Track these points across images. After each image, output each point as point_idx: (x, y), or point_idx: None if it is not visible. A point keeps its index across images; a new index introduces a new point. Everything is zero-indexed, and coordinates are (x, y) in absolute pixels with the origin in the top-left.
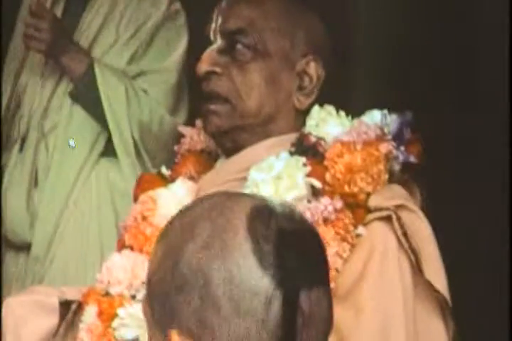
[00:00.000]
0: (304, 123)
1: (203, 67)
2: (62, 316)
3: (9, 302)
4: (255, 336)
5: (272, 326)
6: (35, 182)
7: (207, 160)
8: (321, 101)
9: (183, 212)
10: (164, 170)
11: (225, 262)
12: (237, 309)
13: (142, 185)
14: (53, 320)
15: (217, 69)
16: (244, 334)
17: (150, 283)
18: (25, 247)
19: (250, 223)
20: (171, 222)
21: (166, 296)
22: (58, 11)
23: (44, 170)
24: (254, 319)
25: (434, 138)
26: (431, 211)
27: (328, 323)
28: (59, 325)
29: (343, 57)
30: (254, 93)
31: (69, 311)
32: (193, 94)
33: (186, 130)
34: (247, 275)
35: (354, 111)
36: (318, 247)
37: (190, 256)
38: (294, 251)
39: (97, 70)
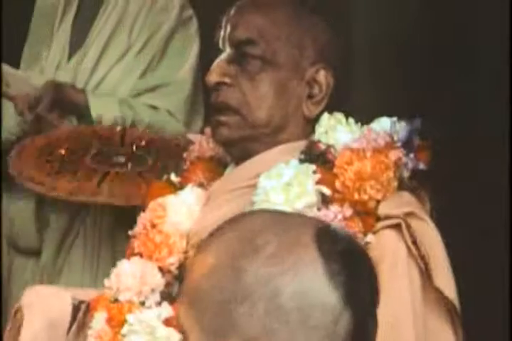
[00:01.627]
0: (313, 131)
1: (213, 77)
2: (74, 316)
3: (29, 292)
4: None
5: None
6: None
7: (216, 167)
8: (330, 108)
9: (232, 224)
10: (173, 178)
11: (296, 276)
12: (305, 322)
13: (152, 193)
14: (66, 309)
15: (227, 80)
16: None
17: (196, 291)
18: (35, 253)
19: (319, 241)
20: (218, 234)
21: (222, 306)
22: (69, 18)
23: None
24: (322, 334)
25: (443, 144)
26: (440, 218)
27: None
28: (71, 324)
29: (351, 64)
30: (265, 103)
31: (79, 311)
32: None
33: (195, 137)
34: (318, 290)
35: (363, 118)
36: (374, 273)
37: (257, 267)
38: (359, 274)
39: (90, 102)
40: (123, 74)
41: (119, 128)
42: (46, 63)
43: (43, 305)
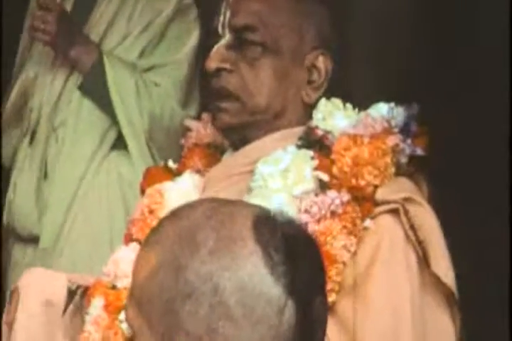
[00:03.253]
0: (311, 117)
1: (212, 63)
2: (70, 299)
3: (26, 274)
4: None
5: (285, 333)
6: (44, 174)
7: (214, 153)
8: (328, 94)
9: (172, 219)
10: (171, 164)
11: (236, 272)
12: (250, 317)
13: (149, 179)
14: (61, 290)
15: (227, 66)
16: None
17: (143, 290)
18: (34, 239)
19: (257, 233)
20: (160, 228)
21: (168, 305)
22: (69, 4)
23: (53, 163)
24: (267, 326)
25: (441, 130)
26: (437, 203)
27: (326, 323)
28: (66, 305)
29: (350, 48)
30: (264, 89)
31: (75, 295)
32: (204, 88)
33: (193, 123)
34: (259, 283)
35: (361, 103)
36: (318, 252)
37: (197, 265)
38: (303, 259)
39: (106, 63)
40: (120, 55)
41: None
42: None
43: (38, 285)
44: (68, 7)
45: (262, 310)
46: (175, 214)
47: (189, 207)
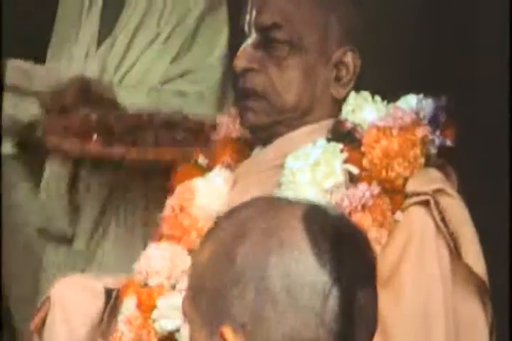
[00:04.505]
0: (340, 111)
1: (240, 63)
2: (106, 304)
3: (59, 283)
4: (312, 330)
5: (329, 320)
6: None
7: (243, 148)
8: (357, 87)
9: (228, 214)
10: (201, 160)
11: (283, 257)
12: (294, 303)
13: (179, 175)
14: (100, 303)
15: (255, 66)
16: (301, 328)
17: (198, 280)
18: (66, 240)
19: (306, 222)
20: (216, 224)
21: (218, 291)
22: (98, 5)
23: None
24: (312, 313)
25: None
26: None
27: (375, 324)
28: (103, 312)
29: (377, 43)
30: (292, 88)
31: (110, 298)
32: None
33: (221, 119)
34: (305, 270)
35: (390, 96)
36: (368, 249)
37: (246, 251)
38: (349, 250)
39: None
40: (152, 61)
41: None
42: (75, 51)
43: (74, 294)
44: (96, 10)
45: (306, 297)
46: (230, 211)
47: (244, 204)
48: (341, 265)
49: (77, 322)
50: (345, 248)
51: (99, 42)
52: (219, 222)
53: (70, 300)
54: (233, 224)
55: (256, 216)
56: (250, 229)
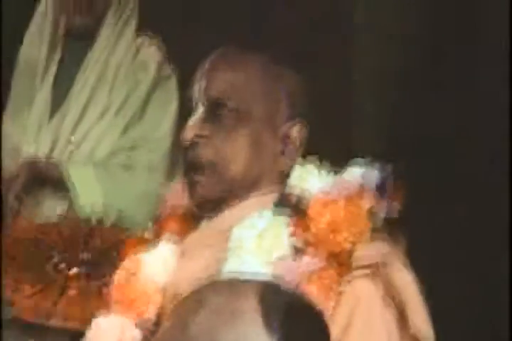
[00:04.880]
0: (286, 182)
1: (187, 135)
2: None
3: None
4: None
5: None
6: None
7: (190, 220)
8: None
9: (191, 294)
10: (147, 234)
11: (234, 326)
12: None
13: (126, 250)
14: None
15: (202, 138)
16: None
17: None
18: None
19: (261, 294)
20: (180, 302)
21: None
22: (51, 75)
23: None
24: None
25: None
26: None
27: None
28: None
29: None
30: (240, 158)
31: None
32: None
33: (167, 194)
34: (255, 338)
35: (338, 160)
36: (322, 328)
37: (200, 321)
38: (300, 326)
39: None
40: (103, 132)
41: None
42: (28, 122)
43: None
44: (49, 79)
45: None
46: (194, 290)
47: (204, 285)
48: (291, 338)
49: None
50: (297, 324)
51: (53, 113)
52: (182, 301)
53: None
54: (191, 300)
55: (212, 291)
56: (206, 303)
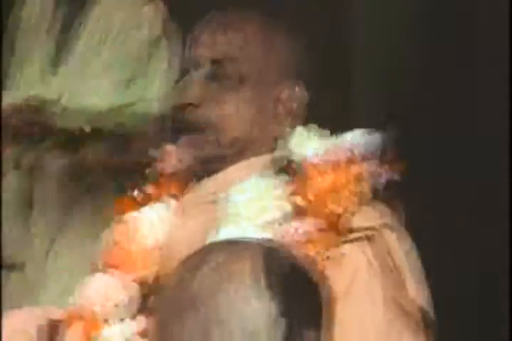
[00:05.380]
0: (278, 147)
1: (188, 95)
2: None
3: (9, 316)
4: None
5: None
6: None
7: (189, 179)
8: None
9: (193, 254)
10: (136, 193)
11: (235, 284)
12: (242, 328)
13: (118, 208)
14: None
15: (196, 100)
16: None
17: (160, 310)
18: (18, 268)
19: (262, 257)
20: (182, 262)
21: (175, 315)
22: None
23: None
24: (257, 339)
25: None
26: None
27: None
28: None
29: (328, 77)
30: (240, 120)
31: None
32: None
33: (171, 149)
34: (256, 298)
35: (339, 128)
36: (317, 291)
37: (202, 277)
38: (297, 289)
39: None
40: (98, 90)
41: None
42: (31, 72)
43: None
44: (55, 33)
45: (253, 323)
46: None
47: (205, 245)
48: (289, 300)
49: None
50: (294, 286)
51: (55, 69)
52: (181, 262)
53: (20, 334)
54: (196, 257)
55: (216, 250)
56: (209, 260)
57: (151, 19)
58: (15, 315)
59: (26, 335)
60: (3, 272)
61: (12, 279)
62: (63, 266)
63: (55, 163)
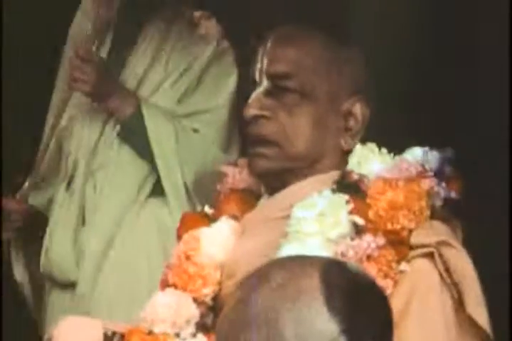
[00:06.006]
0: (347, 163)
1: (251, 110)
2: None
3: (61, 323)
4: None
5: None
6: (82, 221)
7: (249, 198)
8: (363, 138)
9: (256, 270)
10: (207, 209)
11: (296, 303)
12: None
13: (185, 225)
14: (98, 337)
15: (266, 113)
16: None
17: (219, 330)
18: (71, 285)
19: (324, 273)
20: (244, 279)
21: (234, 335)
22: (104, 53)
23: (91, 209)
24: None
25: (474, 174)
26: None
27: None
28: None
29: (383, 95)
30: (303, 136)
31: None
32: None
33: (229, 169)
34: (316, 317)
35: (395, 148)
36: (384, 306)
37: (263, 297)
38: (363, 305)
39: (144, 111)
40: (159, 102)
41: None
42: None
43: (76, 334)
44: (103, 55)
45: None
46: (256, 269)
47: (267, 262)
48: (352, 317)
49: None
50: (359, 301)
51: None
52: (243, 279)
53: (70, 336)
54: (255, 275)
55: (276, 267)
56: (270, 278)
57: (208, 35)
58: (75, 321)
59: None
60: (57, 292)
61: (65, 299)
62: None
63: None
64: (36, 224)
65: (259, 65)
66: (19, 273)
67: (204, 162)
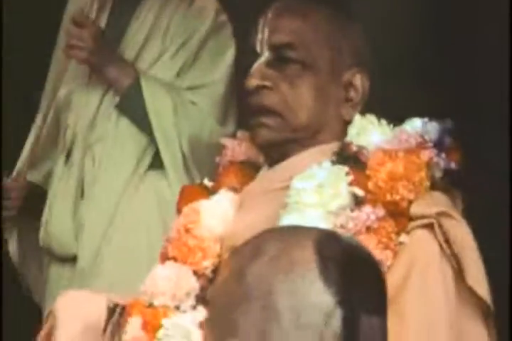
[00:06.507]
0: (346, 133)
1: (253, 81)
2: (109, 317)
3: (61, 297)
4: None
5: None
6: (81, 194)
7: (249, 171)
8: (363, 110)
9: (246, 241)
10: (207, 182)
11: (290, 274)
12: (297, 321)
13: (185, 197)
14: (102, 315)
15: (268, 84)
16: None
17: (214, 301)
18: (71, 259)
19: (318, 244)
20: (237, 249)
21: (228, 308)
22: (102, 23)
23: (90, 182)
24: (313, 332)
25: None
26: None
27: None
28: (106, 325)
29: (383, 66)
30: (305, 107)
31: (114, 313)
32: (241, 105)
33: (228, 141)
34: (310, 288)
35: (395, 119)
36: (379, 278)
37: (257, 269)
38: (358, 277)
39: (143, 82)
40: (158, 75)
41: None
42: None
43: (77, 308)
44: (102, 25)
45: (308, 316)
46: (249, 239)
47: (260, 232)
48: (347, 289)
49: (76, 329)
50: (354, 273)
51: None
52: (240, 247)
53: (73, 313)
54: (249, 247)
55: (270, 239)
56: (264, 249)
57: (206, 8)
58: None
59: (92, 314)
60: (56, 266)
61: (65, 272)
62: (117, 257)
63: None
64: (36, 198)
65: (260, 36)
66: (14, 248)
67: (201, 134)
